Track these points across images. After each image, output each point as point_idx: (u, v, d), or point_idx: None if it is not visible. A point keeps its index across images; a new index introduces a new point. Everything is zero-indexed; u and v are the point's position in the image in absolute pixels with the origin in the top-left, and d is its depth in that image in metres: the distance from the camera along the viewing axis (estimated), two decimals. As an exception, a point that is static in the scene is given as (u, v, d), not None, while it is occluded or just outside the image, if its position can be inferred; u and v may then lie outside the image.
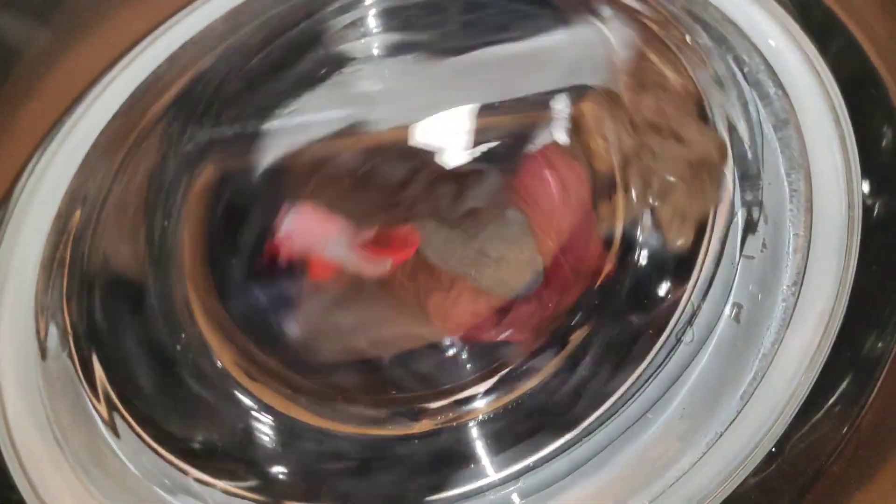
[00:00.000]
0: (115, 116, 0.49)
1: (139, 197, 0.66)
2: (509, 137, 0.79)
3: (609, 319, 0.86)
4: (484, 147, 0.76)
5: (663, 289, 0.85)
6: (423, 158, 0.75)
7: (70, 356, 0.63)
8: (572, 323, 0.87)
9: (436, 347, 0.88)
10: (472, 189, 0.80)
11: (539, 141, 0.79)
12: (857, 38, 0.57)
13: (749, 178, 0.76)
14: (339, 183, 0.74)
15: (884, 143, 0.64)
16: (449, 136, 0.75)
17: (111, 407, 0.67)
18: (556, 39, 0.71)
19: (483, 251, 0.83)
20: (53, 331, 0.60)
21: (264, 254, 0.75)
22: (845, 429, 0.74)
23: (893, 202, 0.68)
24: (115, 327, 0.68)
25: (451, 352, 0.88)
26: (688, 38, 0.67)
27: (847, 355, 0.75)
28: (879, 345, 0.73)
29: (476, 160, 0.77)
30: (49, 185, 0.50)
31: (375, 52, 0.71)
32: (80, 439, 0.63)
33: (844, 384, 0.75)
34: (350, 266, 0.78)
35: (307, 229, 0.75)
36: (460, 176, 0.78)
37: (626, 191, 0.82)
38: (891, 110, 0.60)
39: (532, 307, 0.87)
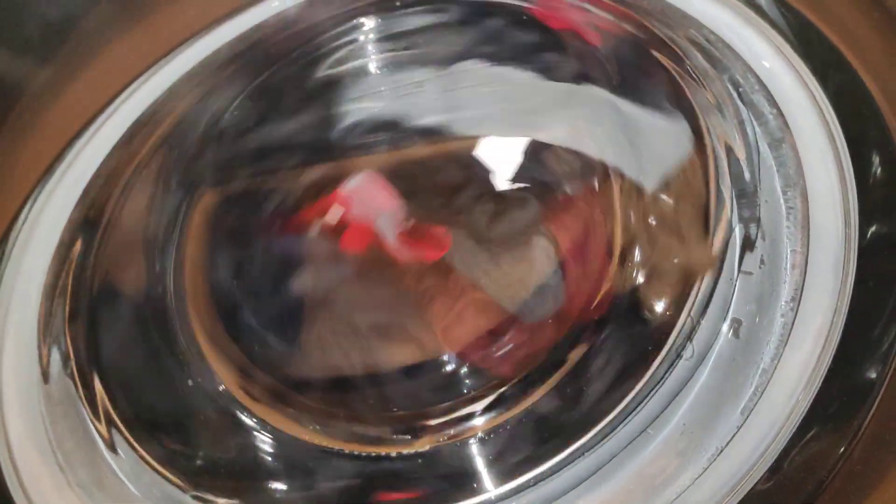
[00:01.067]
0: (115, 147, 0.50)
1: (140, 223, 0.66)
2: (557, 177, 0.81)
3: (608, 337, 0.87)
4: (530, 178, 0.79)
5: (662, 305, 0.85)
6: (479, 172, 0.77)
7: (72, 378, 0.63)
8: (571, 340, 0.87)
9: (435, 364, 0.88)
10: (511, 212, 0.81)
11: (578, 186, 0.83)
12: (849, 59, 0.57)
13: (746, 195, 0.76)
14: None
15: (876, 164, 0.65)
16: (505, 160, 0.78)
17: (112, 427, 0.68)
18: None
19: (501, 265, 0.85)
20: (56, 355, 0.61)
21: (316, 208, 0.75)
22: (845, 443, 0.74)
23: (887, 220, 0.68)
24: (116, 349, 0.68)
25: (450, 368, 0.89)
26: (686, 64, 0.68)
27: (846, 370, 0.75)
28: (877, 360, 0.73)
29: (521, 188, 0.80)
30: (51, 215, 0.51)
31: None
32: (81, 461, 0.64)
33: (843, 399, 0.75)
34: (388, 245, 0.78)
35: (370, 195, 0.76)
36: (504, 198, 0.80)
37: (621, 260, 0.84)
38: (883, 129, 0.60)
39: (526, 339, 0.88)
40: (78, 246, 0.58)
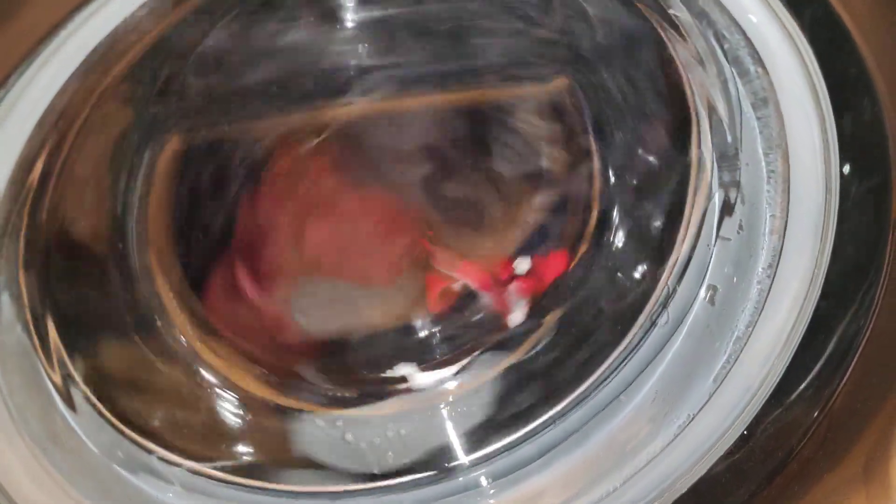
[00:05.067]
0: (72, 76, 0.47)
1: (101, 166, 0.64)
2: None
3: (584, 302, 0.86)
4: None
5: (639, 271, 0.84)
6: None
7: (26, 328, 0.61)
8: (546, 304, 0.86)
9: (408, 327, 0.87)
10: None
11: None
12: (840, 15, 0.56)
13: (727, 158, 0.75)
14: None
15: (863, 122, 0.64)
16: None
17: (68, 380, 0.65)
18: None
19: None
20: (7, 301, 0.58)
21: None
22: (816, 412, 0.74)
23: (869, 183, 0.68)
24: (73, 298, 0.66)
25: (423, 333, 0.87)
26: (670, 15, 0.66)
27: (820, 339, 0.74)
28: (852, 329, 0.72)
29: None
30: (3, 144, 0.48)
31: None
32: (35, 415, 0.61)
33: (817, 368, 0.75)
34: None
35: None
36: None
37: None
38: (870, 89, 0.59)
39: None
40: (33, 182, 0.55)
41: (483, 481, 0.84)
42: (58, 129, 0.53)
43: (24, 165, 0.50)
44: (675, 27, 0.68)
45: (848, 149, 0.65)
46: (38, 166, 0.54)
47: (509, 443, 0.84)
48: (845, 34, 0.56)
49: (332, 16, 0.67)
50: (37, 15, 0.42)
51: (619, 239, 0.84)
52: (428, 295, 0.86)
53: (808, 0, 0.56)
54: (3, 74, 0.42)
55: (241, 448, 0.79)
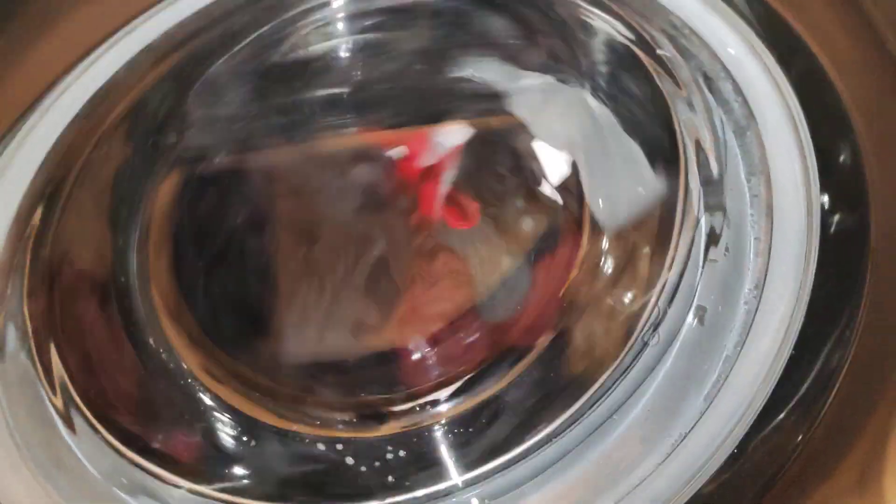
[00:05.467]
0: (73, 120, 0.49)
1: (103, 200, 0.65)
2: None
3: (575, 325, 0.87)
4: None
5: (629, 295, 0.86)
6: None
7: (29, 355, 0.62)
8: (537, 328, 0.88)
9: (402, 350, 0.88)
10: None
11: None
12: (814, 50, 0.58)
13: (712, 183, 0.77)
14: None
15: (838, 155, 0.66)
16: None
17: (70, 404, 0.67)
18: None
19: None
20: (12, 331, 0.60)
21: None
22: (805, 429, 0.75)
23: (849, 210, 0.69)
24: (75, 326, 0.67)
25: (417, 355, 0.89)
26: (658, 52, 0.68)
27: (807, 358, 0.76)
28: (838, 348, 0.74)
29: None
30: (7, 188, 0.50)
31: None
32: (39, 442, 0.63)
33: (804, 386, 0.76)
34: (438, 199, 0.80)
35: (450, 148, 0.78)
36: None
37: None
38: (845, 120, 0.61)
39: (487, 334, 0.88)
40: (36, 221, 0.57)
41: (476, 502, 0.85)
42: (60, 168, 0.54)
43: (29, 204, 0.52)
44: (662, 63, 0.70)
45: (827, 182, 0.67)
46: (42, 204, 0.56)
47: (503, 463, 0.85)
48: (821, 72, 0.58)
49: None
50: (42, 64, 0.44)
51: (609, 265, 0.86)
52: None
53: (785, 37, 0.58)
54: (11, 119, 0.44)
55: (240, 470, 0.81)
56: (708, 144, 0.74)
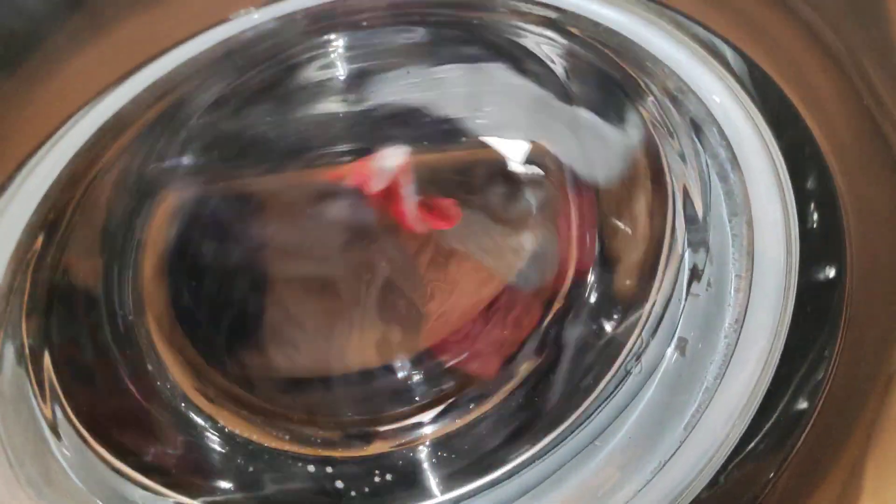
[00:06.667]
0: (79, 152, 0.50)
1: (100, 224, 0.67)
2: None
3: (559, 352, 0.89)
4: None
5: (613, 325, 0.87)
6: (489, 154, 0.79)
7: (25, 369, 0.63)
8: (522, 354, 0.89)
9: (389, 370, 0.90)
10: (527, 194, 0.83)
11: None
12: (795, 101, 0.59)
13: (696, 222, 0.79)
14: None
15: (814, 209, 0.68)
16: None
17: (62, 420, 0.68)
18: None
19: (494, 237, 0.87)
20: (9, 350, 0.61)
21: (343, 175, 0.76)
22: (780, 460, 0.77)
23: (827, 258, 0.71)
24: (71, 346, 0.68)
25: (402, 374, 0.90)
26: (649, 99, 0.70)
27: (785, 391, 0.77)
28: (813, 383, 0.75)
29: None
30: (12, 216, 0.51)
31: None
32: (30, 457, 0.64)
33: (781, 419, 0.78)
34: (410, 213, 0.81)
35: (393, 169, 0.79)
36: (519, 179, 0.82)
37: None
38: (825, 172, 0.63)
39: (499, 334, 0.89)
40: (37, 246, 0.58)
41: (457, 523, 0.86)
42: (62, 198, 0.56)
43: (31, 231, 0.53)
44: (651, 111, 0.72)
45: (805, 227, 0.69)
46: (43, 232, 0.57)
47: (485, 483, 0.86)
48: (802, 122, 0.60)
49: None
50: (48, 106, 0.45)
51: (594, 297, 0.88)
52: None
53: (771, 92, 0.60)
54: (21, 158, 0.45)
55: (225, 485, 0.82)
56: (696, 193, 0.76)
